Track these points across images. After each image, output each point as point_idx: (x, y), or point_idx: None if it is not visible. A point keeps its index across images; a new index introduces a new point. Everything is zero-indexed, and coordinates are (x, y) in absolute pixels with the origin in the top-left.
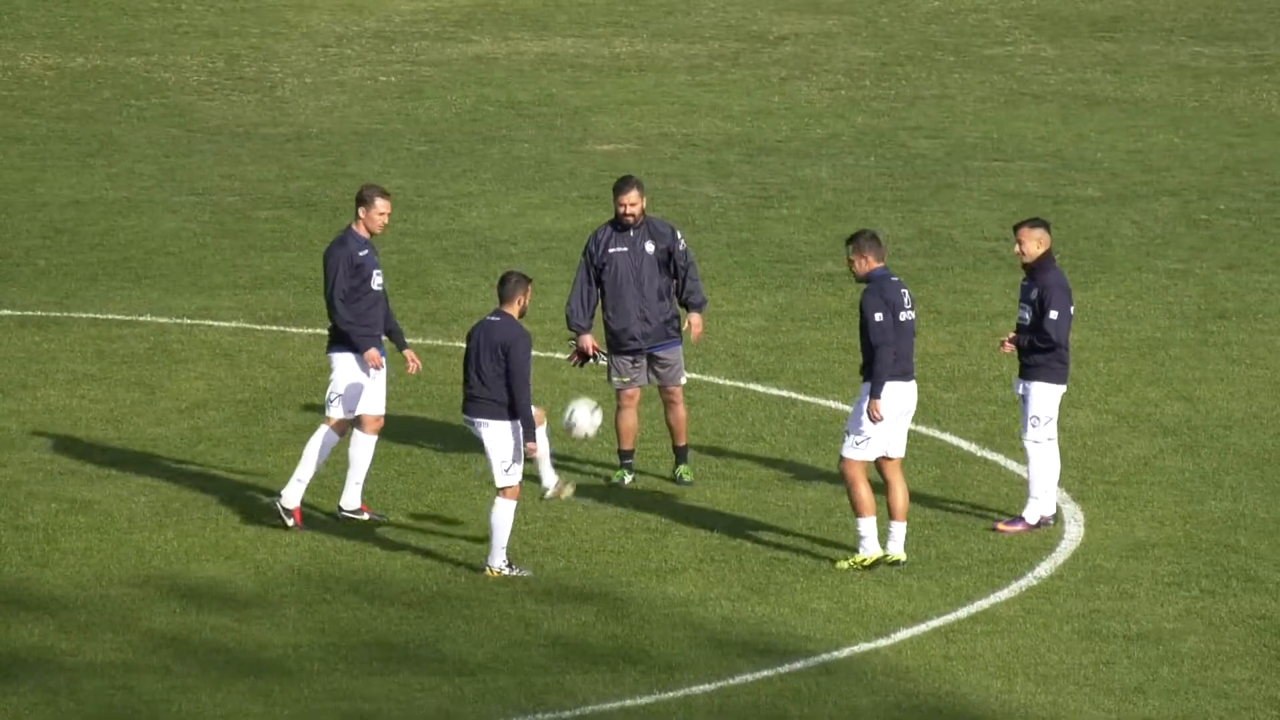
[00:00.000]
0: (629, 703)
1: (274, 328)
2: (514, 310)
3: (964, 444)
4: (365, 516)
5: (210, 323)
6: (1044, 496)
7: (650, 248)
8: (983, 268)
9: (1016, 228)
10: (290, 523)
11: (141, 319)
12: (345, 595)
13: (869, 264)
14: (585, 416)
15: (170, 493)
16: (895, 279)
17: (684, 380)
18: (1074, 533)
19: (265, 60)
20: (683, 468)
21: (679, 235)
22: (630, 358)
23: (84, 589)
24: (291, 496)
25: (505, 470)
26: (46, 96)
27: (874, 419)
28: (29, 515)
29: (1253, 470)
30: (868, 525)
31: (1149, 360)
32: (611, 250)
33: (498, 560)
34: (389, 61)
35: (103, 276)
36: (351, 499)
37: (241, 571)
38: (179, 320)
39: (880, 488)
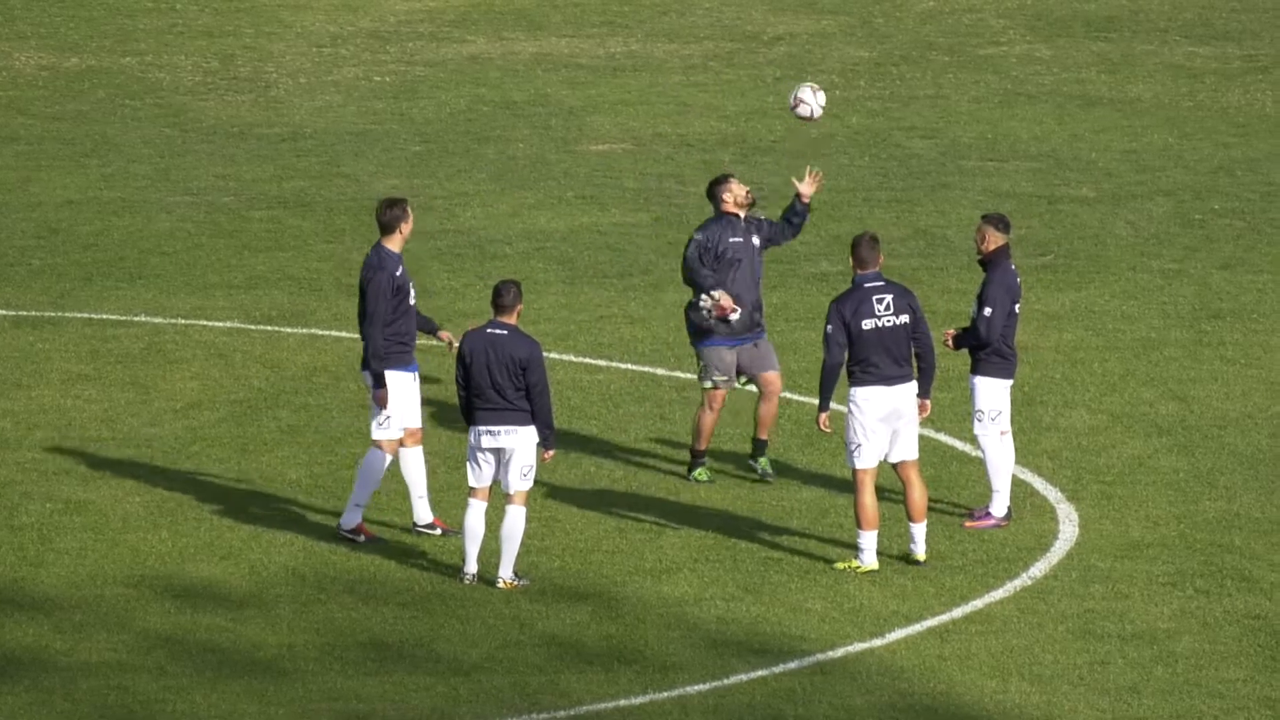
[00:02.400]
0: (624, 703)
1: (268, 328)
2: (515, 320)
3: (958, 444)
4: (439, 531)
5: (205, 323)
6: (1004, 489)
7: (756, 241)
8: (977, 268)
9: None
10: (361, 539)
11: (136, 319)
12: (340, 595)
13: (852, 268)
14: (809, 95)
15: (165, 493)
16: (871, 285)
17: (779, 367)
18: (1069, 532)
19: (260, 60)
20: (763, 460)
21: (768, 228)
22: (729, 354)
23: (79, 589)
24: (349, 520)
25: (524, 476)
26: (41, 96)
27: (820, 429)
28: (23, 515)
29: (1247, 470)
30: (867, 539)
31: (1144, 360)
32: (731, 240)
33: (510, 570)
34: (384, 61)
35: (97, 276)
36: (423, 513)
37: (236, 572)
38: (173, 320)
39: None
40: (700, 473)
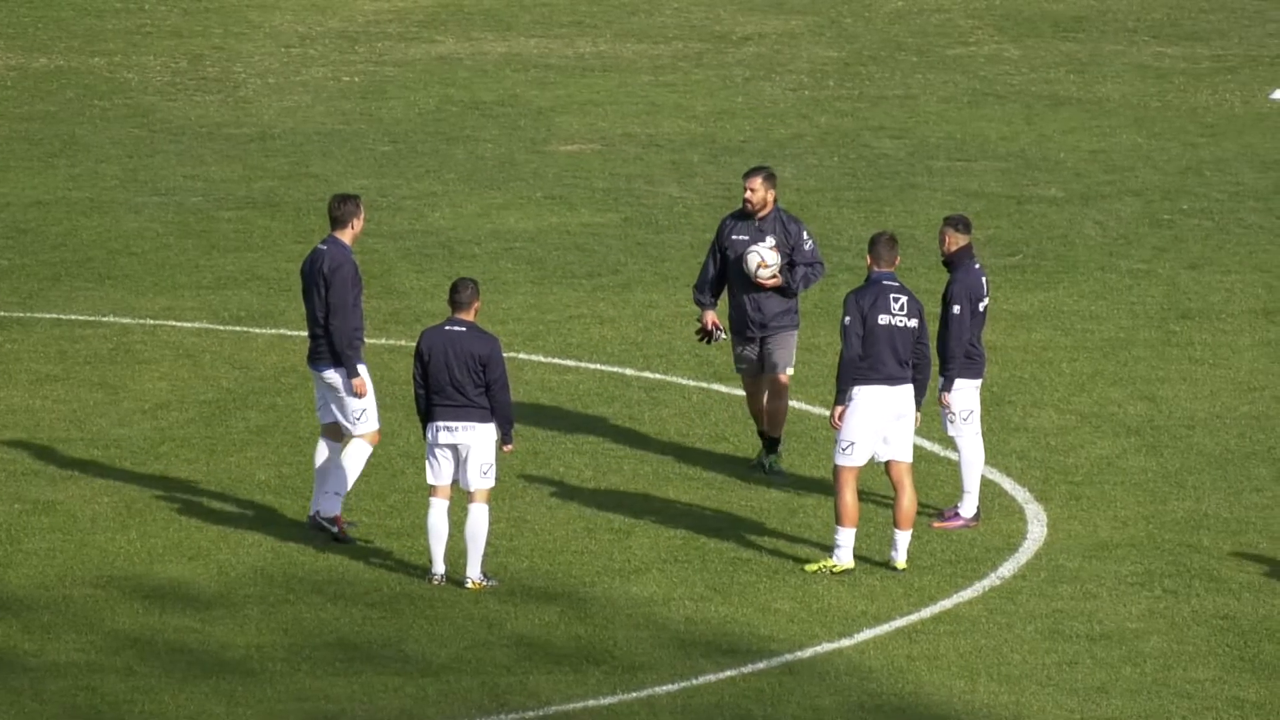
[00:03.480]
0: (592, 703)
1: (237, 328)
2: (473, 317)
3: (927, 444)
4: (336, 530)
5: (173, 323)
6: (974, 490)
7: (770, 240)
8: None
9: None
10: (335, 530)
11: (104, 319)
12: (308, 595)
13: (869, 265)
14: (756, 257)
15: (133, 493)
16: (889, 283)
17: (789, 371)
18: (1037, 533)
19: (228, 60)
20: (772, 457)
21: (805, 234)
22: (744, 345)
23: (47, 590)
24: (329, 507)
25: (484, 473)
26: (9, 97)
27: (832, 425)
28: None
29: (1215, 470)
30: (845, 535)
31: (1112, 360)
32: (734, 237)
33: (478, 570)
34: (352, 62)
35: (65, 277)
36: (331, 507)
37: (204, 572)
38: (142, 321)
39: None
40: (772, 459)
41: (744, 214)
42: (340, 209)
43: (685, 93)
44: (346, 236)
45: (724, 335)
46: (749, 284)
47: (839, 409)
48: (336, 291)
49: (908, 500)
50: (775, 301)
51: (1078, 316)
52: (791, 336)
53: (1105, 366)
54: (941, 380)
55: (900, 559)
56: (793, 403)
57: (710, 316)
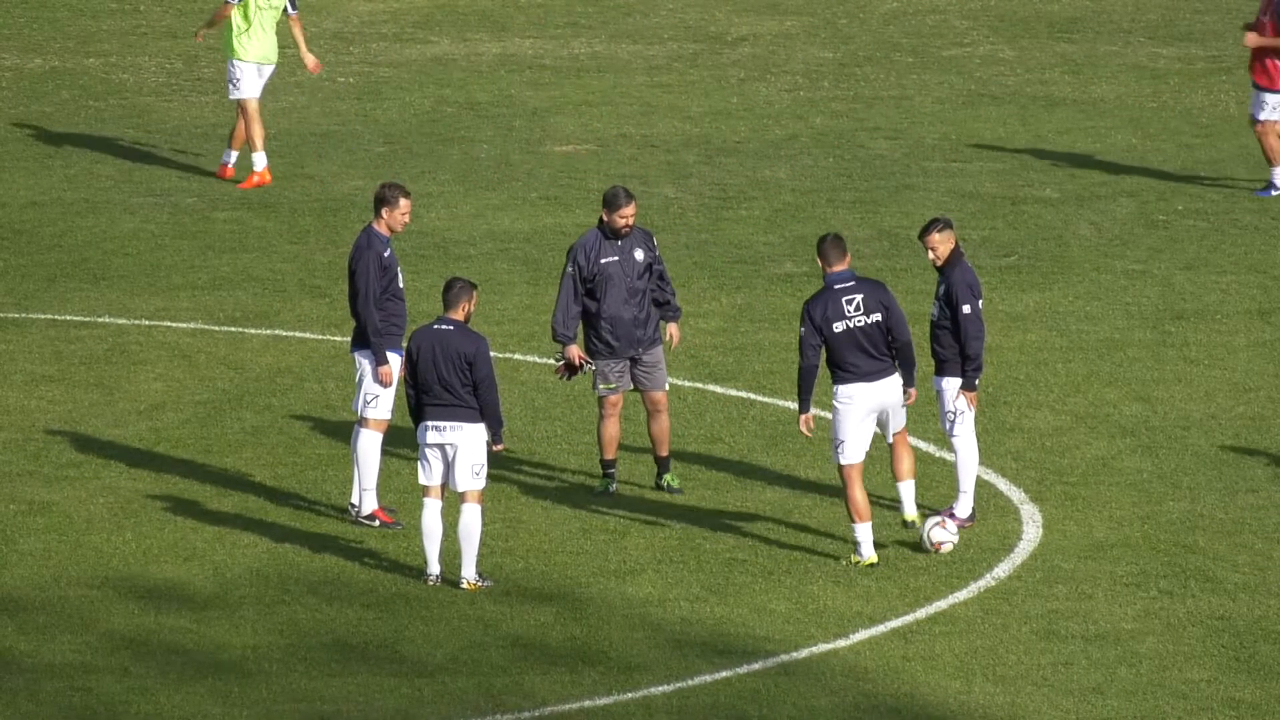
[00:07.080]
0: (588, 704)
1: (232, 329)
2: (461, 316)
3: (922, 444)
4: (377, 524)
5: (168, 324)
6: (970, 490)
7: (640, 255)
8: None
9: (922, 236)
10: (378, 524)
11: (100, 320)
12: (304, 596)
13: (822, 269)
14: (939, 533)
15: (128, 494)
16: (840, 287)
17: (667, 386)
18: (1032, 533)
19: (223, 61)
20: (668, 476)
21: (654, 241)
22: (617, 364)
23: (42, 590)
24: (367, 504)
25: (475, 473)
26: (4, 98)
27: (803, 433)
28: None
29: (1211, 471)
30: (863, 531)
31: (1107, 361)
32: (604, 261)
33: (473, 570)
34: (347, 62)
35: (61, 277)
36: (369, 503)
37: (200, 573)
38: (137, 321)
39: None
40: (601, 483)
41: (611, 235)
42: (376, 194)
43: (680, 93)
44: (380, 225)
45: (592, 365)
46: (631, 300)
47: (803, 418)
48: (359, 278)
49: (908, 455)
50: (652, 314)
51: (1073, 317)
52: (660, 351)
53: (1100, 367)
54: (961, 380)
55: (911, 511)
56: (790, 404)
57: (574, 350)
